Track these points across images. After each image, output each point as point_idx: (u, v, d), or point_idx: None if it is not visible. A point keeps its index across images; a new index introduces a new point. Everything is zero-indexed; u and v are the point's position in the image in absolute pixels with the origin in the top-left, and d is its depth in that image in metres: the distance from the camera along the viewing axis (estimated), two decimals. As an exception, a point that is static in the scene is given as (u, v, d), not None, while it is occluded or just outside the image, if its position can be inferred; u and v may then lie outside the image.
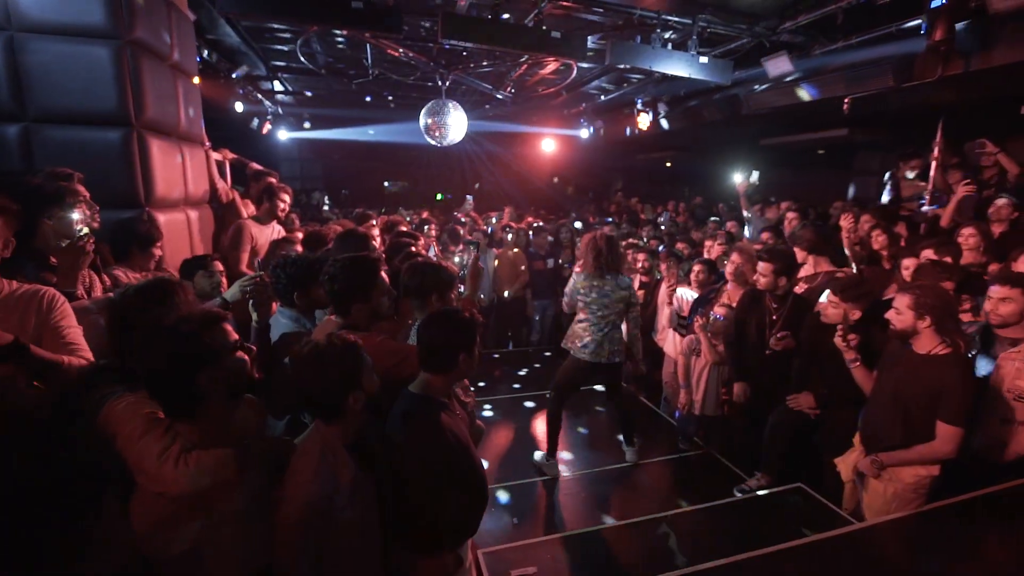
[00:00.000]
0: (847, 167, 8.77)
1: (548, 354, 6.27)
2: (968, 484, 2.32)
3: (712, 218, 7.57)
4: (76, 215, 2.09)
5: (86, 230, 2.11)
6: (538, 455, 3.84)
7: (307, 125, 9.98)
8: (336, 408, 1.50)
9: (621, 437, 3.96)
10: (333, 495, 1.47)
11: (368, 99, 8.67)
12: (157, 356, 1.34)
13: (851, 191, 8.01)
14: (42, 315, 1.65)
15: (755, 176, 5.57)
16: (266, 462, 1.56)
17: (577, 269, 3.91)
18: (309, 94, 8.44)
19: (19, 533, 1.44)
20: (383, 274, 2.01)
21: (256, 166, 4.88)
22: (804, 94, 5.23)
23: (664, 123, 7.35)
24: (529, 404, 4.92)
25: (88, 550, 1.54)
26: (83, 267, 2.18)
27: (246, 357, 1.48)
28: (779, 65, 4.73)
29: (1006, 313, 2.37)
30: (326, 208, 9.18)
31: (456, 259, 2.69)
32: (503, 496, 3.43)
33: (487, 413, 4.55)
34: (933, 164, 5.04)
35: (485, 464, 3.73)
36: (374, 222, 4.66)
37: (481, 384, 5.18)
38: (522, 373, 5.78)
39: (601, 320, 3.57)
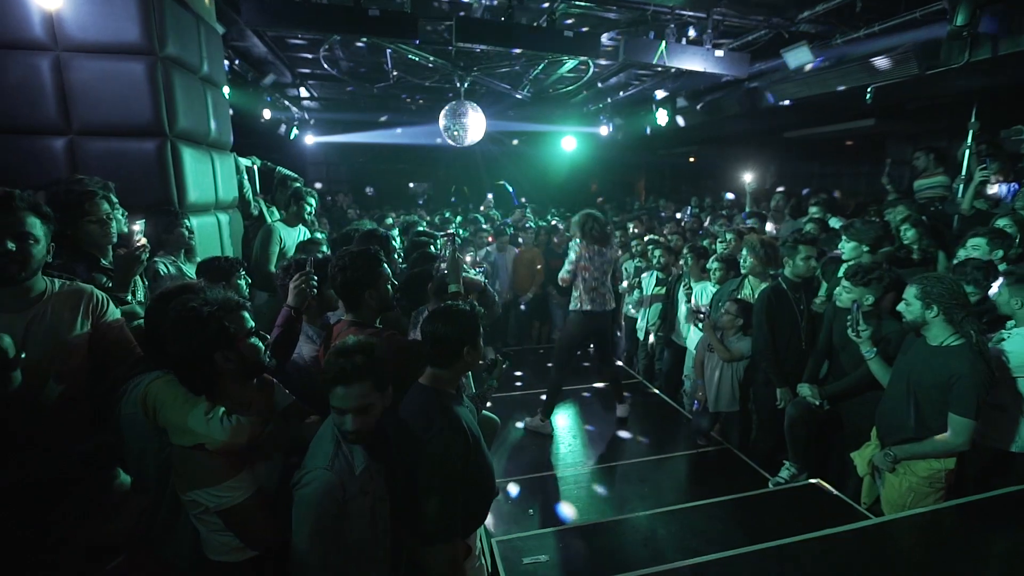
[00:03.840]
0: (879, 158, 8.51)
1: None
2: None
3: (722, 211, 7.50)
4: (136, 227, 2.22)
5: (144, 240, 2.23)
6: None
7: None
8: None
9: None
10: (346, 482, 1.57)
11: (390, 102, 8.87)
12: (180, 335, 1.50)
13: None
14: (91, 314, 1.81)
15: (751, 178, 5.82)
16: (294, 442, 1.70)
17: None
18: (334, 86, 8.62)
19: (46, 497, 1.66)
20: (385, 265, 2.11)
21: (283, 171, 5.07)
22: (825, 84, 5.12)
23: (680, 120, 7.29)
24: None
25: (96, 514, 1.77)
26: (136, 274, 2.31)
27: (260, 343, 1.62)
28: (799, 56, 4.65)
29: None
30: (350, 210, 9.40)
31: (433, 249, 2.77)
32: (519, 488, 3.50)
33: (503, 407, 4.63)
34: (967, 152, 4.86)
35: (499, 457, 3.85)
36: (389, 220, 4.79)
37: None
38: (540, 368, 5.85)
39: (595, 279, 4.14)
